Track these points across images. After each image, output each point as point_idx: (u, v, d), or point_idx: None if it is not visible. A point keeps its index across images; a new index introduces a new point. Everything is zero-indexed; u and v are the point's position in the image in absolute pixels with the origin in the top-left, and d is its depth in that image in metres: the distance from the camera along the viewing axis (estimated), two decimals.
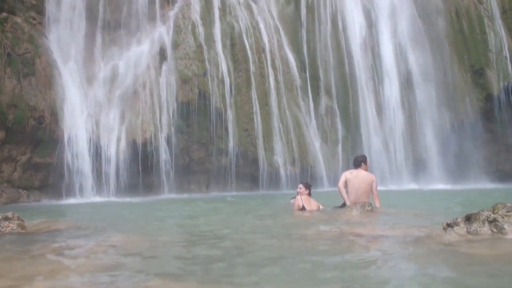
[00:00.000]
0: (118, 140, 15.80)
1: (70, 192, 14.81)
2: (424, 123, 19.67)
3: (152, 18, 18.07)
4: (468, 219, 4.89)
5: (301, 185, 8.55)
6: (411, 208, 9.04)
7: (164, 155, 16.13)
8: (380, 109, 19.74)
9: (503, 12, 20.75)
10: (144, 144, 15.87)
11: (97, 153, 15.44)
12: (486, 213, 4.82)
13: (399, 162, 19.08)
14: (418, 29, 20.52)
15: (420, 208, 9.30)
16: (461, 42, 20.46)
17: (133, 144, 15.81)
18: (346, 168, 17.05)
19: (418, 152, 19.48)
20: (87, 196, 14.88)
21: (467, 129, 19.64)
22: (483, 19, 20.73)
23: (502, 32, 20.45)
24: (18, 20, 15.13)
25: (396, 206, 9.26)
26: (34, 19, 15.89)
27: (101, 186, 15.28)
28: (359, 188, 7.88)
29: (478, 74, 20.24)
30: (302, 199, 8.24)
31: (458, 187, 17.43)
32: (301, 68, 19.62)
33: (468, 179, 18.58)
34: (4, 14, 14.90)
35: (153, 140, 16.00)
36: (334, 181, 17.23)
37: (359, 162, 8.13)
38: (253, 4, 19.41)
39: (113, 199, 14.85)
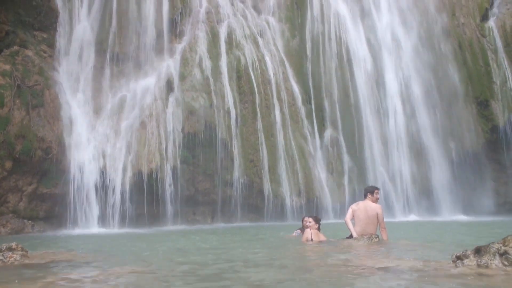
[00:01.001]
0: (124, 170, 15.83)
1: (75, 223, 14.74)
2: (430, 154, 19.62)
3: (160, 51, 18.44)
4: (478, 251, 4.79)
5: (310, 219, 8.42)
6: (419, 240, 8.89)
7: (169, 186, 16.10)
8: (385, 140, 19.75)
9: (506, 45, 20.98)
10: (150, 175, 15.88)
11: (103, 184, 15.45)
12: (496, 246, 4.72)
13: (406, 193, 18.93)
14: (422, 61, 20.78)
15: (429, 239, 9.15)
16: (465, 74, 20.62)
17: (139, 174, 15.82)
18: (352, 199, 16.98)
19: (425, 183, 19.36)
20: (92, 227, 14.79)
21: (473, 160, 19.56)
22: (486, 51, 20.96)
23: (506, 65, 20.62)
24: (29, 53, 15.47)
25: (404, 237, 9.12)
26: (45, 52, 16.25)
27: (106, 217, 15.21)
28: (364, 219, 7.78)
29: (483, 105, 20.31)
30: (312, 233, 8.09)
31: (467, 218, 17.20)
32: (307, 99, 19.79)
33: (476, 210, 18.39)
34: (16, 48, 15.26)
35: (159, 171, 16.02)
36: (340, 212, 17.09)
37: (366, 192, 8.08)
38: (259, 38, 19.79)
39: (118, 230, 14.74)
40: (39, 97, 15.02)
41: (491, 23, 21.42)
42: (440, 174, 19.34)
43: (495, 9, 21.96)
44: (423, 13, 21.65)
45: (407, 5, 21.85)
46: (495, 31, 21.21)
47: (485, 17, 21.66)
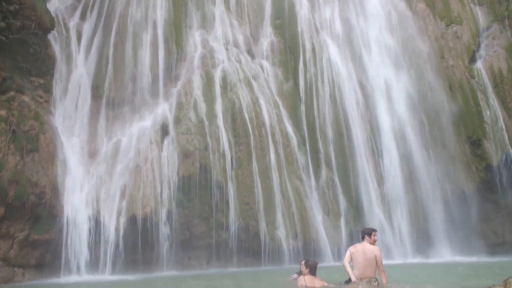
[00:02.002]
0: (118, 215, 15.63)
1: (67, 270, 14.39)
2: (426, 194, 19.59)
3: (155, 95, 18.66)
4: None
5: (302, 263, 8.25)
6: (417, 283, 8.74)
7: (164, 230, 15.88)
8: (381, 181, 19.75)
9: (495, 85, 21.45)
10: (145, 219, 15.67)
11: (96, 229, 15.21)
12: None
13: (403, 234, 18.76)
14: (413, 102, 21.12)
15: (427, 282, 8.99)
16: (457, 114, 20.94)
17: (133, 219, 15.61)
18: (350, 241, 16.77)
19: (422, 223, 19.22)
20: (85, 274, 14.43)
21: (469, 200, 19.53)
22: (476, 92, 21.38)
23: (496, 105, 21.00)
24: (26, 98, 15.58)
25: (403, 280, 8.96)
26: (41, 97, 16.38)
27: (100, 263, 14.88)
28: (363, 262, 7.66)
29: (476, 145, 20.50)
30: (305, 280, 7.87)
31: (464, 259, 16.97)
32: (301, 141, 19.90)
33: (474, 250, 18.20)
34: (13, 93, 15.37)
35: (153, 215, 15.82)
36: (338, 254, 16.84)
37: (363, 234, 8.00)
38: (253, 81, 20.12)
39: (111, 276, 14.39)
40: (34, 141, 15.00)
41: (479, 64, 21.98)
42: (436, 214, 19.24)
43: (482, 51, 22.59)
44: (413, 55, 22.20)
45: (397, 48, 22.43)
46: (483, 72, 21.73)
47: (473, 59, 22.24)
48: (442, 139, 20.52)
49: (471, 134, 20.63)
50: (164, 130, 17.74)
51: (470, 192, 19.67)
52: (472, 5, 23.71)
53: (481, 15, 23.58)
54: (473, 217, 19.19)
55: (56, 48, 17.84)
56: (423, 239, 18.82)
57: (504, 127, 20.57)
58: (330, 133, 20.05)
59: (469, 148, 20.56)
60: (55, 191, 14.91)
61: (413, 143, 20.45)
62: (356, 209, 18.95)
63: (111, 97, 18.12)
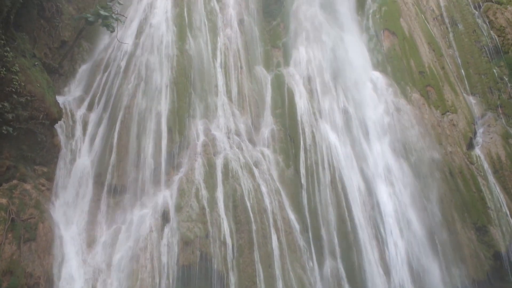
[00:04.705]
0: None
1: None
2: (434, 283, 18.84)
3: (157, 182, 18.75)
4: None
5: None
6: None
7: None
8: (387, 269, 19.10)
9: (495, 171, 21.59)
10: None
11: None
12: None
13: None
14: (415, 189, 21.12)
15: None
16: (460, 200, 20.83)
17: None
18: None
19: None
20: None
21: None
22: (477, 178, 21.46)
23: (498, 190, 20.97)
24: (28, 187, 15.65)
25: None
26: (43, 185, 16.46)
27: None
28: None
29: (482, 231, 20.14)
30: None
31: None
32: (304, 228, 19.59)
33: None
34: (15, 182, 15.48)
35: None
36: None
37: None
38: (254, 168, 20.31)
39: None
40: (32, 230, 14.80)
41: (477, 151, 22.33)
42: None
43: (478, 138, 23.06)
44: (411, 142, 22.62)
45: (395, 135, 22.93)
46: (482, 158, 22.01)
47: (470, 146, 22.64)
48: (447, 225, 20.20)
49: (476, 221, 20.36)
50: (164, 218, 17.57)
51: (480, 280, 18.94)
52: (465, 95, 24.68)
53: (474, 104, 24.46)
54: None
55: (62, 137, 18.28)
56: None
57: (508, 213, 20.35)
58: (332, 219, 19.79)
59: (475, 235, 20.17)
60: (50, 282, 14.42)
61: (418, 229, 20.09)
62: None
63: (113, 184, 18.20)
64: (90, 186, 17.57)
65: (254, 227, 18.03)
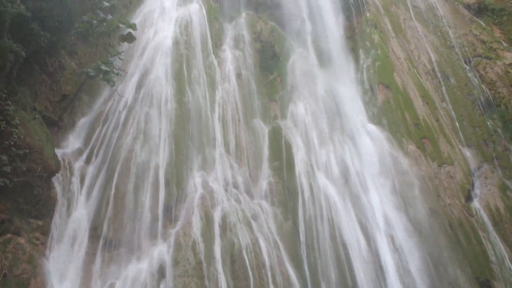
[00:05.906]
0: None
1: None
2: None
3: (154, 235, 18.41)
4: None
5: None
6: None
7: None
8: None
9: (495, 224, 21.42)
10: None
11: None
12: None
13: None
14: (415, 242, 20.81)
15: None
16: (461, 254, 20.50)
17: None
18: None
19: None
20: None
21: None
22: (477, 230, 21.24)
23: (499, 243, 20.70)
24: (22, 241, 15.32)
25: None
26: (37, 239, 16.12)
27: None
28: None
29: (485, 286, 19.67)
30: None
31: None
32: (303, 283, 19.08)
33: None
34: (9, 235, 15.16)
35: None
36: None
37: None
38: (252, 221, 20.07)
39: None
40: (24, 286, 14.37)
41: (476, 203, 22.25)
42: None
43: (476, 190, 23.06)
44: (409, 194, 22.56)
45: (393, 187, 22.90)
46: (481, 210, 21.89)
47: (469, 198, 22.59)
48: (450, 280, 19.75)
49: (479, 275, 19.93)
50: (160, 273, 17.11)
51: None
52: (460, 147, 24.93)
53: (470, 156, 24.66)
54: None
55: (59, 189, 18.11)
56: None
57: (511, 267, 19.98)
58: (332, 274, 19.33)
59: None
60: None
61: (420, 283, 19.62)
62: None
63: (108, 237, 17.85)
64: (85, 240, 17.22)
65: (252, 283, 17.56)
